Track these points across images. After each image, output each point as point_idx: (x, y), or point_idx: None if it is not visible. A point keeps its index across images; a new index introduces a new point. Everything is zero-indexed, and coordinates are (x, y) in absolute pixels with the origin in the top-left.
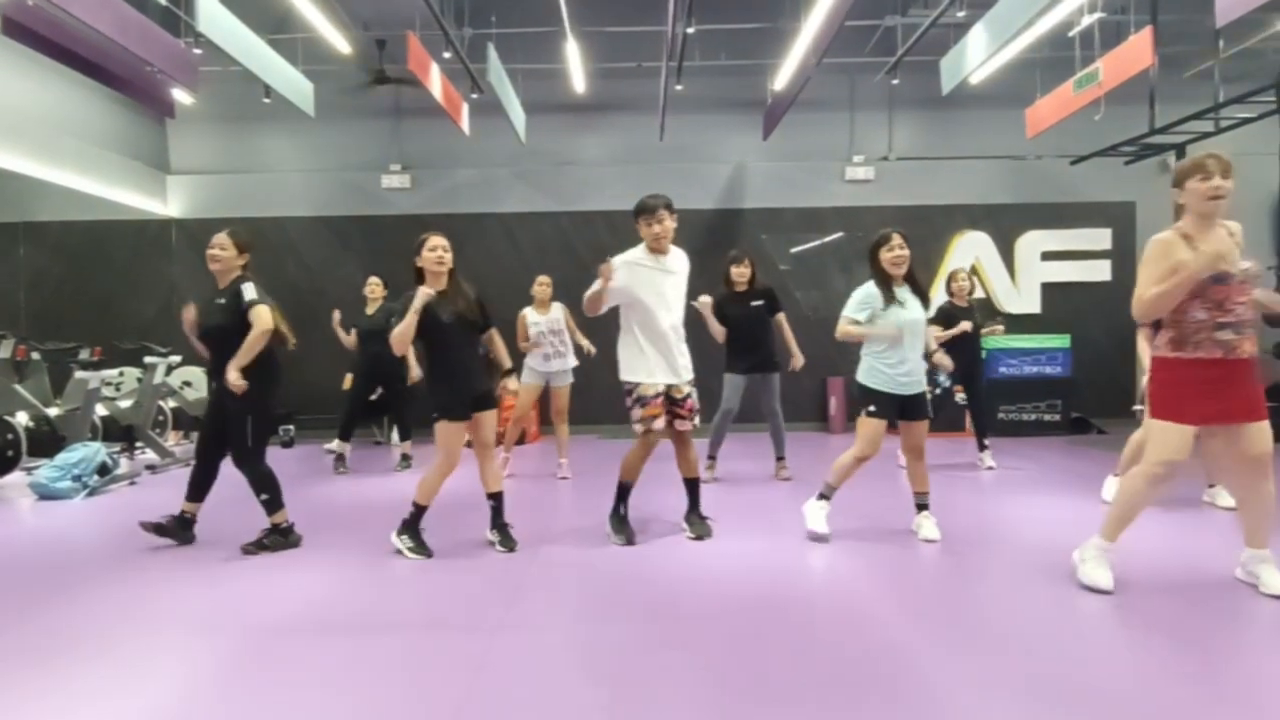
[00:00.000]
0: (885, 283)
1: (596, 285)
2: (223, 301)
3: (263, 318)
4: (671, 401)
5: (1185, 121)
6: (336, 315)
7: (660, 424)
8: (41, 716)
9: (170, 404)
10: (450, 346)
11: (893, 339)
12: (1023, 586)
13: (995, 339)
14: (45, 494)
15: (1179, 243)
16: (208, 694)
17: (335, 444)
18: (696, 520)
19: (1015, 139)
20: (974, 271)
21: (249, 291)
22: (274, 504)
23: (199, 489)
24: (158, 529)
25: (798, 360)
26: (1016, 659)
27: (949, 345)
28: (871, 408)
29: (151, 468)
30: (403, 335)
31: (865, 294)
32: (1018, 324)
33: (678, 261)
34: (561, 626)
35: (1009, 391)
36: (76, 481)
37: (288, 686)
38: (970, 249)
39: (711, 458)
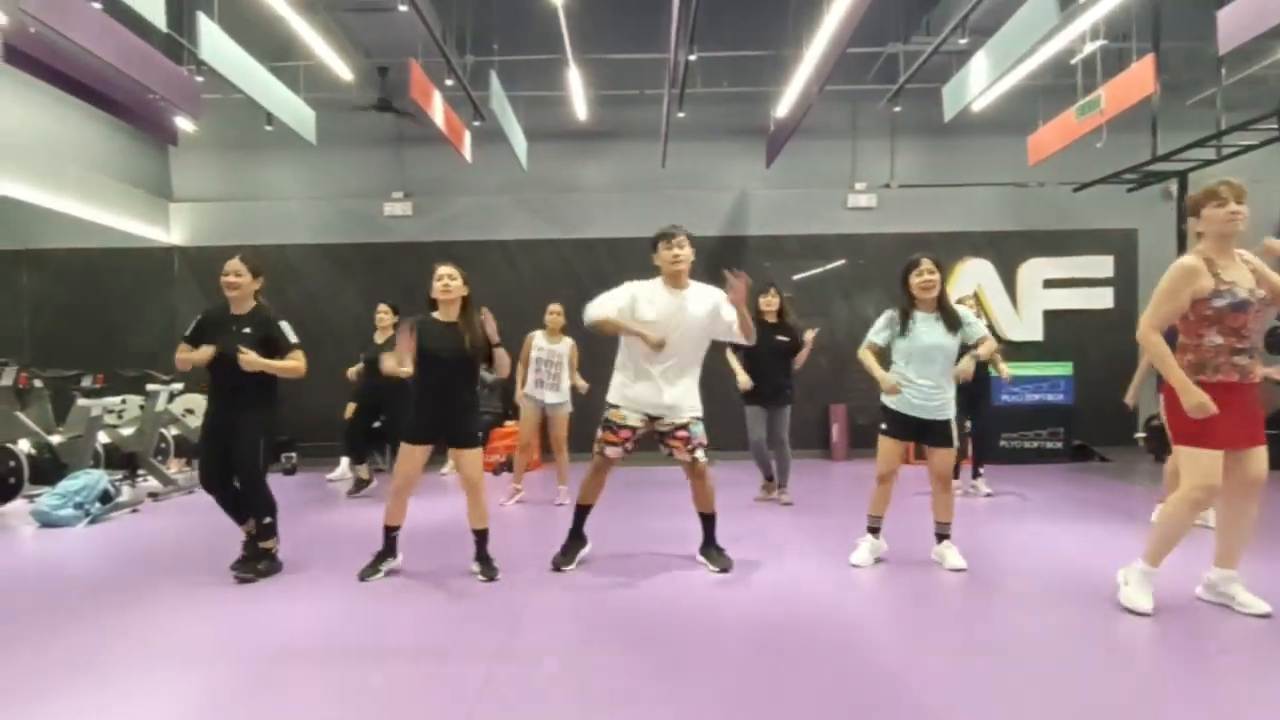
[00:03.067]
0: (906, 311)
1: (635, 328)
2: (249, 331)
3: (302, 364)
4: (660, 434)
5: (1187, 149)
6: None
7: (614, 451)
8: None
9: (172, 431)
10: (429, 374)
11: (889, 390)
12: (1039, 612)
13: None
14: (47, 522)
15: (1202, 269)
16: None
17: (343, 469)
18: (715, 553)
19: (1017, 166)
20: (976, 298)
21: (291, 334)
22: (273, 529)
23: (237, 514)
24: (248, 566)
25: (799, 357)
26: (1036, 688)
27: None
28: (883, 425)
29: (154, 495)
30: (400, 359)
31: (887, 318)
32: (1020, 351)
33: (697, 303)
34: (562, 655)
35: (1011, 419)
36: (78, 509)
37: (288, 714)
38: (972, 276)
39: (770, 479)
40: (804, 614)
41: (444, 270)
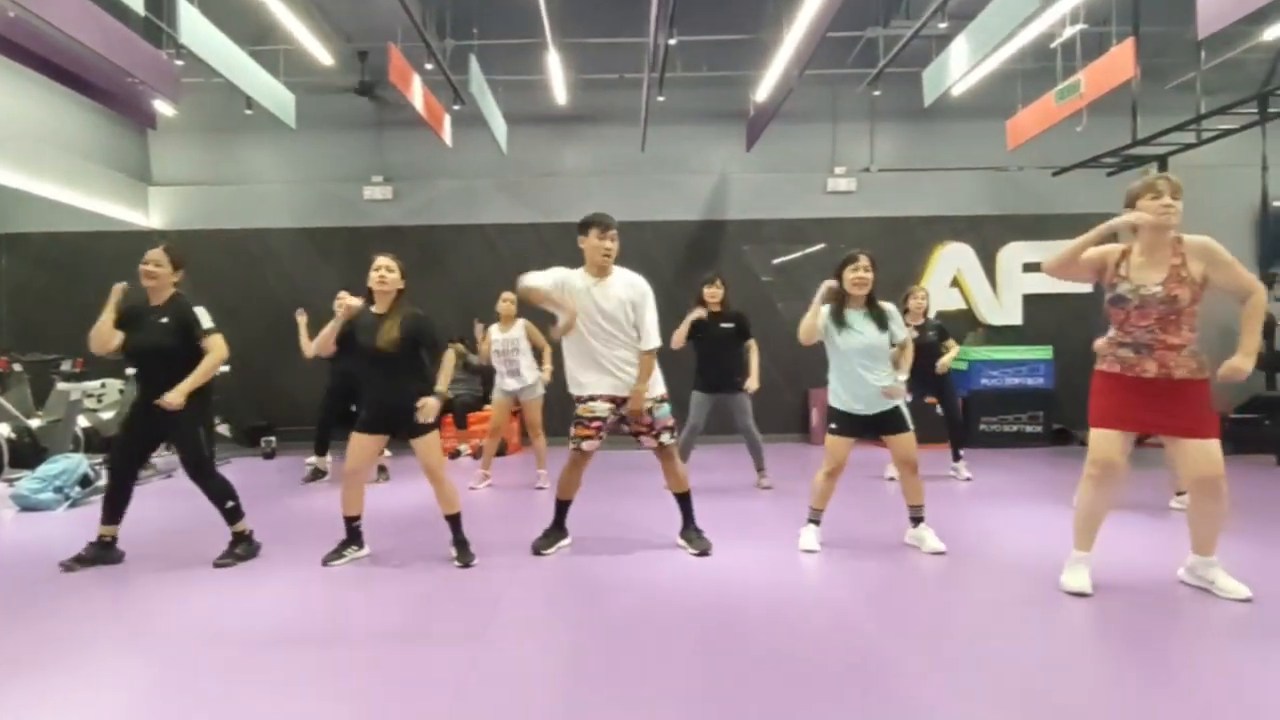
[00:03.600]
0: (839, 305)
1: (556, 299)
2: (166, 321)
3: (220, 346)
4: (624, 419)
5: (1167, 133)
6: (303, 321)
7: (590, 445)
8: None
9: None
10: (365, 366)
11: (825, 289)
12: (1011, 596)
13: (978, 350)
14: (27, 505)
15: (1117, 257)
16: (189, 705)
17: (313, 459)
18: (694, 536)
19: (997, 150)
20: (957, 283)
21: (206, 319)
22: (238, 511)
23: (118, 511)
24: (79, 561)
25: (751, 383)
26: (1005, 671)
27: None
28: (833, 425)
29: None
30: (320, 341)
31: (826, 311)
32: (999, 336)
33: (620, 288)
34: (543, 637)
35: (990, 403)
36: (58, 493)
37: (270, 697)
38: (952, 260)
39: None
40: (784, 596)
41: (381, 260)
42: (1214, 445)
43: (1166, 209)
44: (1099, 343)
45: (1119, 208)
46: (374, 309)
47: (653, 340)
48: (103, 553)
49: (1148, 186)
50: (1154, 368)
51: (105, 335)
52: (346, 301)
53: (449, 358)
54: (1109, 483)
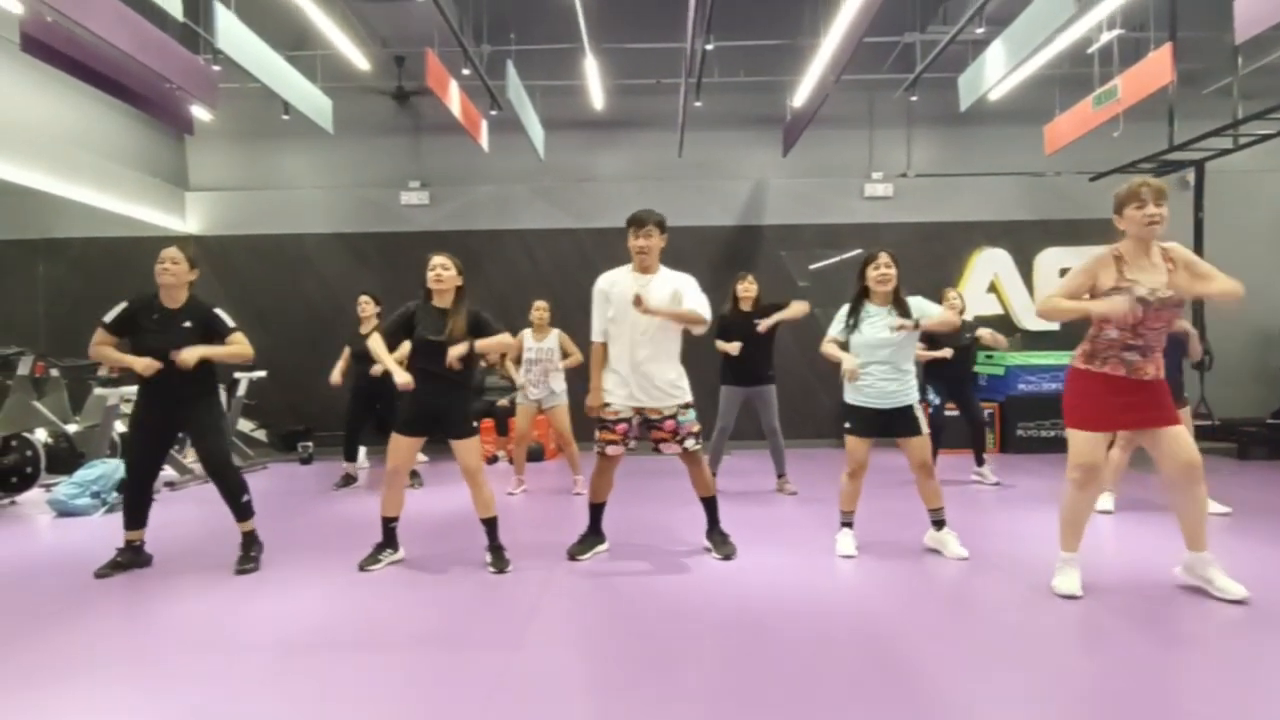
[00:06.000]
0: (856, 305)
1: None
2: (189, 326)
3: (247, 343)
4: (648, 424)
5: (1204, 138)
6: (337, 377)
7: (614, 450)
8: None
9: None
10: (418, 363)
11: (849, 375)
12: (1036, 599)
13: (1015, 355)
14: (64, 510)
15: (1110, 263)
16: (222, 711)
17: (362, 457)
18: (719, 540)
19: (1034, 156)
20: (994, 289)
21: (228, 319)
22: (251, 508)
23: (141, 514)
24: (114, 567)
25: (766, 323)
26: (1033, 673)
27: (934, 362)
28: (848, 424)
29: (170, 484)
30: (374, 344)
31: (842, 313)
32: (1037, 341)
33: (666, 284)
34: (575, 644)
35: (1028, 408)
36: (95, 498)
37: (303, 704)
38: (989, 266)
39: (712, 475)
40: (813, 602)
41: (437, 260)
42: (1185, 431)
43: (1150, 218)
44: (1082, 349)
45: None
46: (435, 304)
47: (705, 311)
48: (134, 557)
49: (1132, 195)
50: (1151, 369)
51: (111, 360)
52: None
53: (509, 340)
54: (1093, 485)
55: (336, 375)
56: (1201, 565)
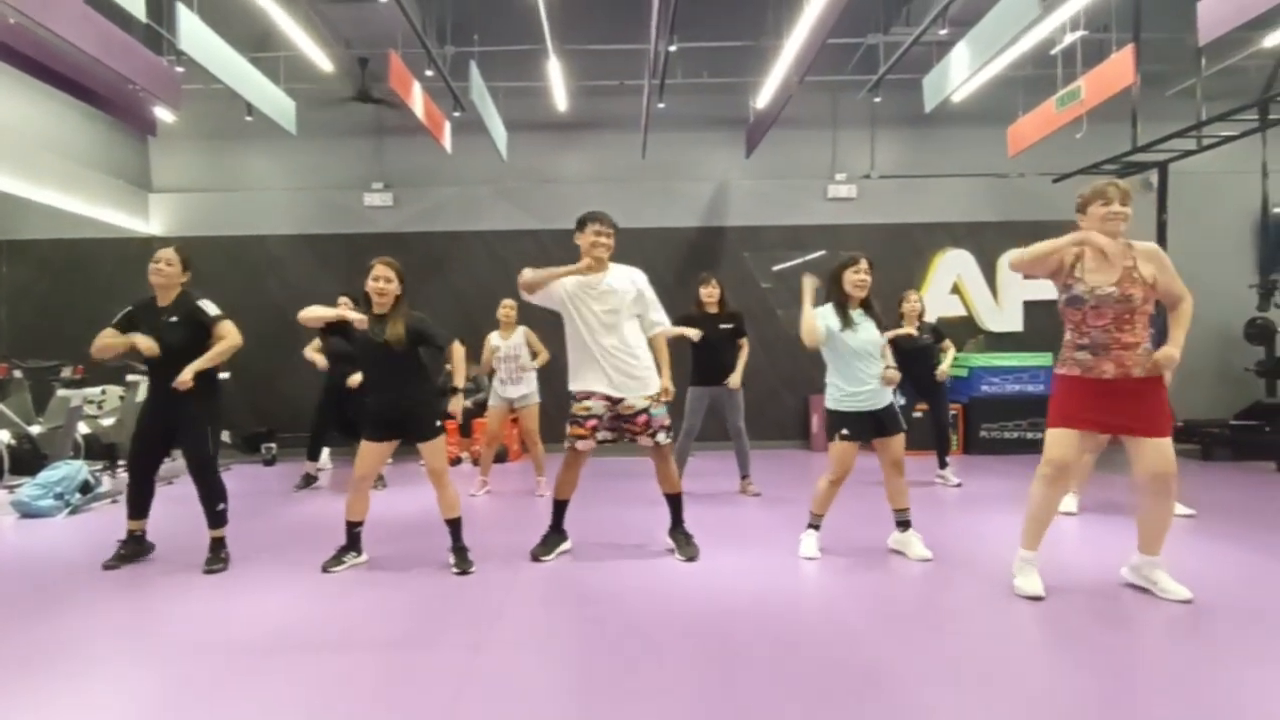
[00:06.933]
0: (843, 305)
1: (563, 270)
2: (175, 320)
3: (233, 331)
4: (620, 419)
5: (1168, 139)
6: (315, 355)
7: (584, 445)
8: None
9: None
10: (369, 369)
11: (809, 288)
12: (998, 600)
13: (978, 357)
14: (27, 512)
15: (1072, 255)
16: (186, 712)
17: (325, 458)
18: (683, 540)
19: (997, 157)
20: (957, 290)
21: (211, 307)
22: (225, 516)
23: (144, 506)
24: (120, 559)
25: (734, 380)
26: (996, 674)
27: (901, 364)
28: (844, 431)
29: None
30: (310, 314)
31: (827, 309)
32: (1000, 342)
33: (618, 279)
34: (542, 644)
35: (991, 409)
36: (59, 500)
37: (268, 705)
38: (952, 267)
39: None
40: (777, 603)
41: (380, 271)
42: (1169, 444)
43: (1113, 215)
44: (1061, 353)
45: None
46: (375, 311)
47: (663, 321)
48: (137, 547)
49: (1098, 193)
50: (1112, 368)
51: (114, 346)
52: (348, 307)
53: (459, 351)
54: (1062, 482)
55: (310, 351)
56: (1149, 567)
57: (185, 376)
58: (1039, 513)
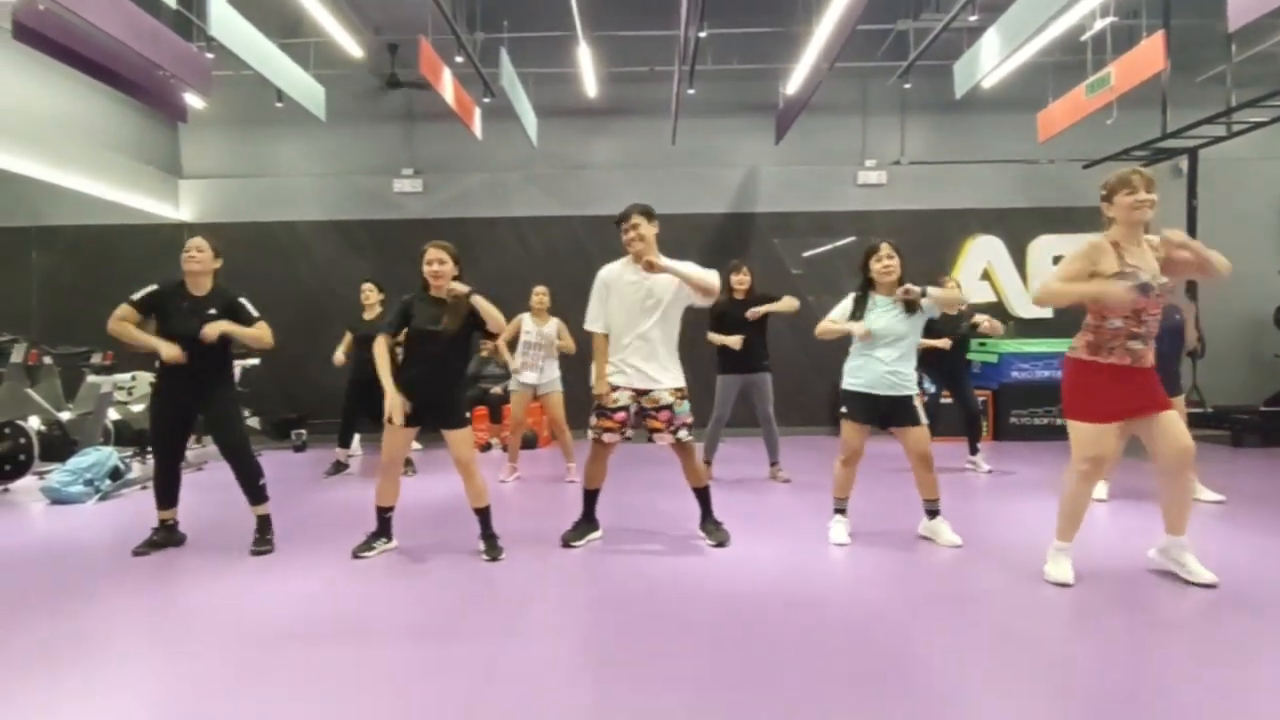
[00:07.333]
0: (865, 292)
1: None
2: (214, 313)
3: (269, 334)
4: (644, 413)
5: (1197, 125)
6: (340, 356)
7: (610, 437)
8: (49, 718)
9: None
10: (413, 353)
11: (860, 335)
12: (1028, 587)
13: (1008, 343)
14: (57, 498)
15: (1109, 249)
16: (213, 699)
17: (356, 444)
18: (712, 528)
19: (1027, 143)
20: (987, 276)
21: (252, 308)
22: (265, 492)
23: (172, 495)
24: (150, 545)
25: (757, 311)
26: (1025, 660)
27: (929, 352)
28: (843, 409)
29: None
30: (379, 357)
31: (846, 303)
32: (1030, 328)
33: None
34: (568, 632)
35: (1021, 396)
36: (88, 486)
37: (297, 689)
38: (982, 253)
39: (707, 463)
40: (806, 589)
41: (434, 254)
42: (1179, 416)
43: (1140, 203)
44: (1084, 340)
45: None
46: (431, 294)
47: (713, 278)
48: (168, 536)
49: (1123, 181)
50: (1150, 356)
51: (136, 341)
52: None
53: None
54: (1099, 477)
55: (340, 355)
56: (1177, 549)
57: (213, 330)
58: (1075, 507)
